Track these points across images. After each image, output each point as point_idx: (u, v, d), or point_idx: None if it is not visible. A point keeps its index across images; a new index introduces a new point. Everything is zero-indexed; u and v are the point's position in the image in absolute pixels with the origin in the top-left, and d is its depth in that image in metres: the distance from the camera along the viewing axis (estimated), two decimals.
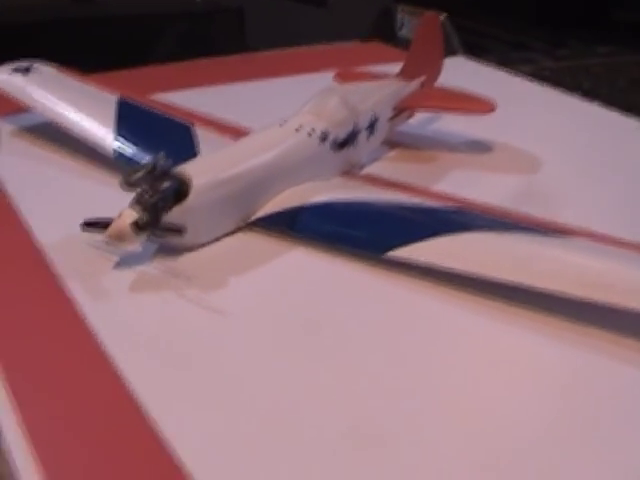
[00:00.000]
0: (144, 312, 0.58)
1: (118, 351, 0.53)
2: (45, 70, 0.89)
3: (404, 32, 1.63)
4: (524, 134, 0.90)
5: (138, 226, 0.60)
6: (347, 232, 0.64)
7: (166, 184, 0.61)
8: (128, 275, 0.61)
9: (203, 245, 0.65)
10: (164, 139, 0.78)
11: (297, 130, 0.71)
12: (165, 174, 0.62)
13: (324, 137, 0.71)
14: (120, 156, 0.76)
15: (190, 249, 0.64)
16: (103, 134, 0.78)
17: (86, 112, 0.81)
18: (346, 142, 0.74)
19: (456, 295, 0.60)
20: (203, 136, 0.78)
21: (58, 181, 0.78)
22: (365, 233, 0.64)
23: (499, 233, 0.63)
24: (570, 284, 0.56)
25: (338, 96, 0.74)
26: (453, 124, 0.89)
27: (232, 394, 0.50)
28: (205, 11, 1.71)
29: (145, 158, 0.73)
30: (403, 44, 1.59)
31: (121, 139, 0.77)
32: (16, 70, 0.89)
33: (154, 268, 0.62)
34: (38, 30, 1.55)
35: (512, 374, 0.53)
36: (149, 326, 0.56)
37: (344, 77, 0.90)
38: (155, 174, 0.62)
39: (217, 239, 0.66)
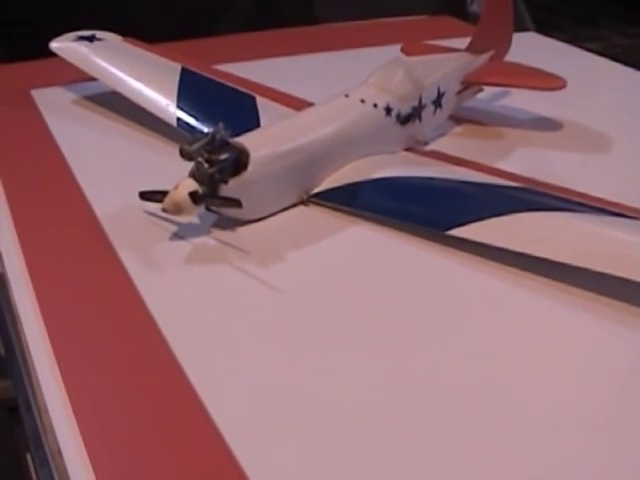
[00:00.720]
0: (195, 285, 0.57)
1: (166, 322, 0.52)
2: (109, 39, 0.89)
3: (475, 7, 1.60)
4: (594, 112, 0.88)
5: (196, 197, 0.59)
6: (408, 209, 0.63)
7: (224, 155, 0.60)
8: (183, 247, 0.61)
9: (263, 218, 0.64)
10: (226, 109, 0.77)
11: (362, 102, 0.69)
12: (224, 145, 0.61)
13: (389, 110, 0.70)
14: (183, 124, 0.75)
15: (249, 222, 0.63)
16: (166, 103, 0.78)
17: (149, 81, 0.80)
18: (411, 116, 0.72)
19: (515, 273, 0.58)
20: (266, 107, 0.77)
21: (118, 150, 0.77)
22: (426, 210, 0.62)
23: (563, 213, 0.60)
24: (628, 268, 0.54)
25: (403, 69, 0.72)
26: (521, 100, 0.86)
27: (279, 379, 0.48)
28: None
29: (207, 127, 0.72)
30: (473, 19, 1.57)
31: (184, 108, 0.76)
32: (81, 38, 0.88)
33: (210, 240, 0.61)
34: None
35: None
36: (199, 300, 0.56)
37: (411, 49, 0.87)
38: (214, 145, 0.61)
39: (277, 212, 0.64)
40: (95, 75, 0.84)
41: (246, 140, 0.62)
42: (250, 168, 0.61)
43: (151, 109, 0.78)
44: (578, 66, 1.04)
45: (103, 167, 0.74)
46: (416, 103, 0.73)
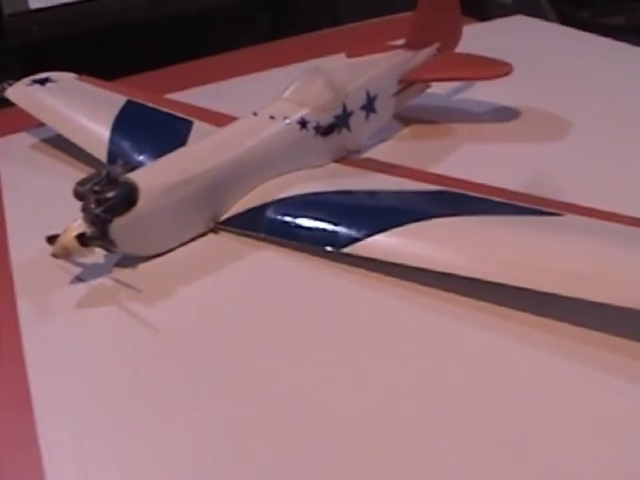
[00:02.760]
0: (78, 332, 0.56)
1: (39, 381, 0.51)
2: (62, 79, 0.88)
3: None
4: (562, 96, 0.83)
5: (84, 239, 0.58)
6: (306, 229, 0.60)
7: (111, 193, 0.58)
8: (80, 290, 0.59)
9: (169, 251, 0.62)
10: (159, 138, 0.75)
11: (272, 118, 0.66)
12: (112, 182, 0.59)
13: (304, 123, 0.67)
14: (113, 160, 0.73)
15: (153, 257, 0.61)
16: (99, 139, 0.76)
17: (87, 119, 0.79)
18: (334, 126, 0.69)
19: (418, 290, 0.55)
20: (200, 132, 0.75)
21: (58, 193, 0.75)
22: (323, 229, 0.59)
23: (473, 217, 0.57)
24: (531, 277, 0.51)
25: (322, 78, 0.69)
26: (476, 91, 0.82)
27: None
28: None
29: (138, 159, 0.71)
30: (492, 6, 1.52)
31: (115, 143, 0.75)
32: (34, 82, 0.88)
33: (108, 280, 0.60)
34: (118, 32, 1.55)
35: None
36: (77, 348, 0.54)
37: (354, 52, 0.84)
38: (103, 183, 0.59)
39: (185, 242, 0.62)
40: (41, 118, 0.83)
41: (137, 175, 0.60)
42: (140, 204, 0.59)
43: (85, 147, 0.76)
44: (563, 48, 0.99)
45: (38, 211, 0.73)
46: (339, 112, 0.69)
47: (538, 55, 0.94)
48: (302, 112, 0.67)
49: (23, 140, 0.89)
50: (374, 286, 0.56)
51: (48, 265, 0.61)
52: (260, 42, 1.32)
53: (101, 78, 0.89)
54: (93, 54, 1.45)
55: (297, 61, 1.00)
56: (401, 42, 0.80)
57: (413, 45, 0.78)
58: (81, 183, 0.59)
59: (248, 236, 0.62)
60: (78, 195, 0.59)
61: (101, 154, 0.74)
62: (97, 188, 0.58)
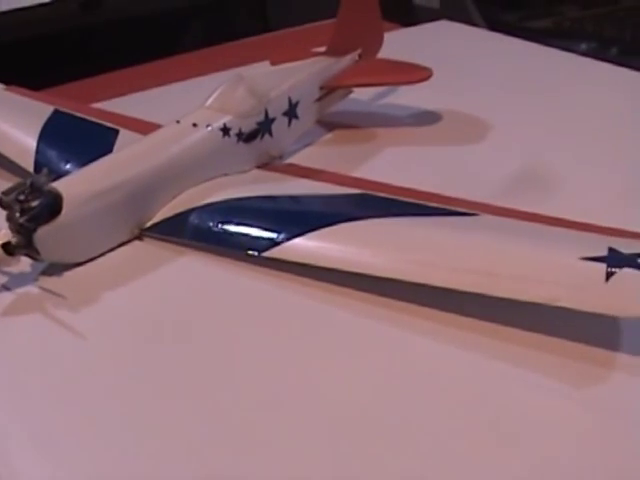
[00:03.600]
0: (6, 338, 0.56)
1: None
2: None
3: None
4: (482, 99, 0.85)
5: (9, 248, 0.58)
6: (229, 234, 0.61)
7: (36, 202, 0.59)
8: (5, 298, 0.59)
9: (94, 258, 0.62)
10: (83, 147, 0.75)
11: (194, 126, 0.67)
12: (36, 191, 0.60)
13: (226, 130, 0.68)
14: (39, 169, 0.74)
15: (78, 264, 0.62)
16: (26, 149, 0.76)
17: (14, 129, 0.79)
18: (257, 132, 0.70)
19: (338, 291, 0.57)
20: (125, 141, 0.76)
21: None
22: (245, 233, 0.61)
23: (391, 219, 0.59)
24: (447, 276, 0.53)
25: (244, 86, 0.70)
26: (399, 96, 0.84)
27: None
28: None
29: (64, 168, 0.72)
30: (419, 11, 1.54)
31: (42, 153, 0.75)
32: None
33: (34, 288, 0.60)
34: (51, 41, 1.55)
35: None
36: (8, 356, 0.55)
37: (277, 58, 0.85)
38: (27, 192, 0.59)
39: (110, 250, 0.63)
40: None
41: (61, 183, 0.61)
42: (64, 212, 0.60)
43: (12, 157, 0.77)
44: (486, 52, 1.02)
45: None
46: (261, 118, 0.71)
47: (460, 60, 0.97)
48: (224, 119, 0.68)
49: None
50: (295, 289, 0.57)
51: None
52: (192, 49, 1.33)
53: (29, 88, 0.89)
54: (21, 63, 1.45)
55: (225, 68, 1.01)
56: (323, 49, 0.81)
57: (335, 51, 0.79)
58: (6, 193, 0.60)
59: (173, 242, 0.63)
60: (3, 204, 0.60)
61: (28, 164, 0.75)
62: (22, 197, 0.59)
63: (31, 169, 0.75)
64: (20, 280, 0.61)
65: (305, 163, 0.73)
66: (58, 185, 0.61)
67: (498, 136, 0.77)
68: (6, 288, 0.61)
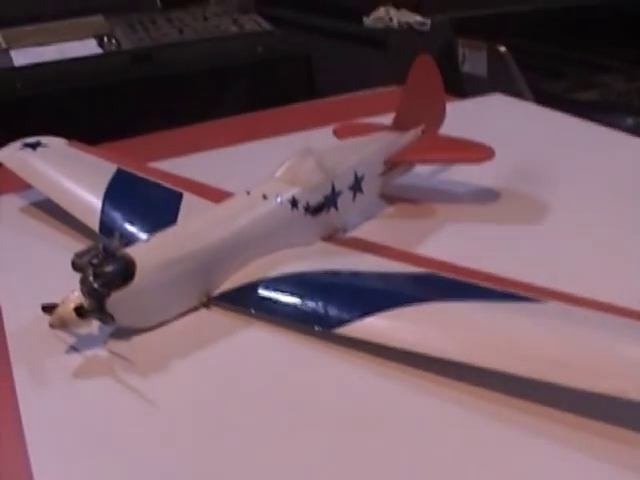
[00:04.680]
0: (74, 402, 0.57)
1: (37, 445, 0.52)
2: (53, 144, 0.90)
3: (467, 67, 1.59)
4: (541, 178, 0.87)
5: (81, 311, 0.59)
6: (298, 308, 0.62)
7: (110, 267, 0.60)
8: (75, 360, 0.60)
9: (161, 324, 0.63)
10: (149, 210, 0.77)
11: (265, 197, 0.68)
12: (110, 256, 0.60)
13: (295, 203, 0.69)
14: (105, 230, 0.75)
15: (146, 329, 0.62)
16: (91, 208, 0.77)
17: (78, 187, 0.81)
18: (323, 205, 0.71)
19: (403, 370, 0.57)
20: (189, 205, 0.77)
21: (48, 259, 0.77)
22: (315, 309, 0.61)
23: (460, 302, 0.59)
24: (518, 363, 0.53)
25: (313, 159, 0.71)
26: (459, 172, 0.85)
27: None
28: (269, 59, 1.71)
29: (128, 230, 0.73)
30: (466, 79, 1.56)
31: (107, 213, 0.76)
32: (26, 145, 0.89)
33: (103, 352, 0.61)
34: (101, 93, 1.58)
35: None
36: (74, 418, 0.55)
37: (342, 132, 0.87)
38: (101, 257, 0.60)
39: (177, 317, 0.64)
40: (31, 182, 0.84)
41: (134, 250, 0.62)
42: (137, 279, 0.60)
43: (77, 215, 0.78)
44: (541, 129, 1.03)
45: (29, 277, 0.74)
46: (328, 191, 0.72)
47: (516, 136, 0.98)
48: (293, 191, 0.69)
49: (11, 202, 0.91)
50: (362, 364, 0.58)
51: (42, 333, 0.62)
52: (237, 110, 1.35)
53: (82, 138, 0.92)
54: (75, 114, 1.48)
55: (275, 134, 1.03)
56: (387, 123, 0.83)
57: (399, 126, 0.81)
58: (79, 255, 0.61)
59: (239, 311, 0.64)
60: (76, 267, 0.61)
61: (93, 223, 0.76)
62: (95, 261, 0.60)
63: (96, 228, 0.76)
64: (89, 342, 0.62)
65: (367, 236, 0.74)
66: (131, 251, 0.62)
67: (555, 218, 0.77)
68: (75, 349, 0.61)
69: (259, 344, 0.62)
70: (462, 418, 0.53)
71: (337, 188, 0.72)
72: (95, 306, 0.60)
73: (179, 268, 0.63)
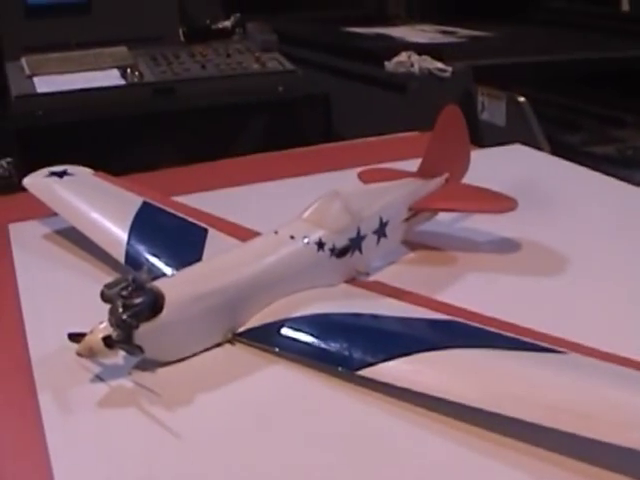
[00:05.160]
0: (100, 431, 0.58)
1: (63, 474, 0.53)
2: (80, 174, 0.91)
3: (486, 115, 1.61)
4: (561, 230, 0.88)
5: (109, 341, 0.60)
6: (322, 348, 0.63)
7: (139, 299, 0.61)
8: (100, 389, 0.61)
9: (186, 358, 0.64)
10: (175, 244, 0.78)
11: (292, 238, 0.69)
12: (140, 289, 0.61)
13: (321, 245, 0.70)
14: (130, 261, 0.76)
15: (171, 362, 0.63)
16: (117, 240, 0.79)
17: (104, 218, 0.82)
18: (348, 248, 0.72)
19: (421, 414, 0.58)
20: (214, 241, 0.78)
21: (74, 287, 0.79)
22: (339, 350, 0.62)
23: (481, 350, 0.60)
24: (541, 413, 0.54)
25: (340, 202, 0.72)
26: (480, 221, 0.86)
27: None
28: (289, 99, 1.73)
29: (153, 263, 0.74)
30: (484, 127, 1.58)
31: (134, 244, 0.78)
32: (52, 174, 0.91)
33: (128, 382, 0.62)
34: (122, 124, 1.60)
35: None
36: (99, 447, 0.56)
37: (368, 176, 0.88)
38: (130, 289, 0.61)
39: (202, 351, 0.65)
40: (57, 211, 0.86)
41: (163, 283, 0.63)
42: (165, 312, 0.61)
43: (103, 246, 0.79)
44: (562, 182, 1.04)
45: (54, 304, 0.75)
46: (354, 235, 0.73)
47: (536, 187, 0.99)
48: (320, 233, 0.70)
49: (36, 228, 0.92)
50: (383, 407, 0.59)
51: (67, 361, 0.63)
52: (254, 147, 1.37)
53: (96, 167, 0.93)
54: (94, 144, 1.50)
55: (295, 175, 1.05)
56: (411, 170, 0.84)
57: (424, 174, 0.82)
58: (108, 286, 0.62)
59: (263, 349, 0.65)
60: (105, 298, 0.62)
61: (118, 254, 0.77)
62: (124, 293, 0.61)
63: (122, 259, 0.77)
64: (114, 373, 0.63)
65: (389, 281, 0.75)
66: (160, 284, 0.63)
67: (575, 269, 0.78)
68: (100, 379, 0.62)
69: (282, 383, 0.62)
70: (476, 464, 0.54)
71: (362, 232, 0.74)
72: (123, 337, 0.60)
73: (207, 303, 0.64)
